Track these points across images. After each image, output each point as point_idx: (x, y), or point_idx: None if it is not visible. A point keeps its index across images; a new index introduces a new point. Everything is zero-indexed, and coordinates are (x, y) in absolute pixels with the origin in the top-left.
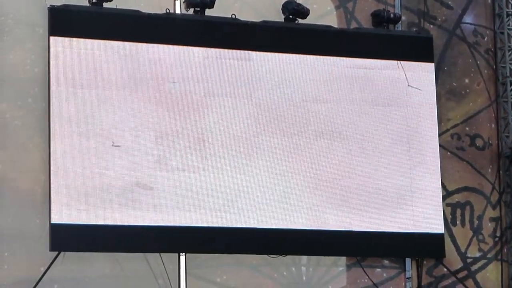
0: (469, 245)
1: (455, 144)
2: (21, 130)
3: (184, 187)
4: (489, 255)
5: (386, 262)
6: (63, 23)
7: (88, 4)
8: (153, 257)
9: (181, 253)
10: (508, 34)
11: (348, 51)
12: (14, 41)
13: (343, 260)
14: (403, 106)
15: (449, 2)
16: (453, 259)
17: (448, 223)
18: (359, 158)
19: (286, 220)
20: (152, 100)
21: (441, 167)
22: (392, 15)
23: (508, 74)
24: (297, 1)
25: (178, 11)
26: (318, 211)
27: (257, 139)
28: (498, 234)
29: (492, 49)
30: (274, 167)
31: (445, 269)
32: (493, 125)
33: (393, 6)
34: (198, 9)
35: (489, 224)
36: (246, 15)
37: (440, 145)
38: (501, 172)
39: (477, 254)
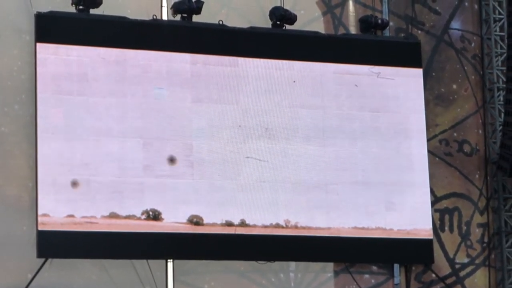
0: (457, 251)
1: (443, 150)
2: (8, 136)
3: (172, 193)
4: (477, 261)
5: (374, 268)
6: (49, 29)
7: (74, 11)
8: (140, 264)
9: (168, 260)
10: (495, 40)
11: (336, 57)
12: (0, 48)
13: (331, 266)
14: (391, 111)
15: (437, 8)
16: (441, 265)
17: (436, 229)
18: (346, 163)
19: (274, 226)
20: (139, 107)
21: (429, 173)
22: (379, 21)
23: (495, 80)
24: (285, 7)
25: (165, 17)
26: (306, 217)
27: (245, 145)
28: (485, 240)
29: (479, 55)
30: (261, 173)
31: (433, 275)
32: (480, 131)
33: (381, 12)
34: (185, 15)
35: (477, 230)
36: (233, 21)
37: (428, 151)
38: (488, 178)
39: (465, 260)
